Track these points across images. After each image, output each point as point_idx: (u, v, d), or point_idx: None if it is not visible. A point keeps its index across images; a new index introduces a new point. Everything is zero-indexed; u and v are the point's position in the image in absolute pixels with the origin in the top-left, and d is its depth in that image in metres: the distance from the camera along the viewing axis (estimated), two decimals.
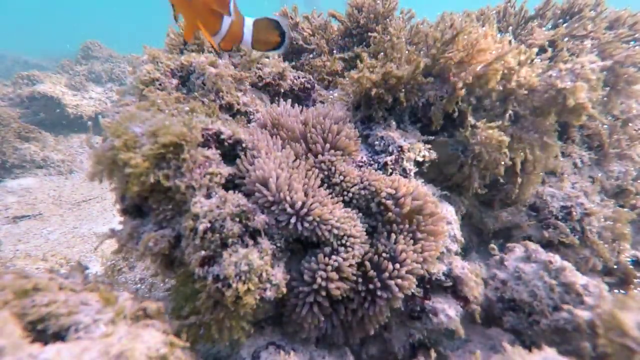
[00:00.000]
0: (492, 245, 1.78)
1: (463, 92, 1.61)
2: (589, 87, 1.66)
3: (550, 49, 2.06)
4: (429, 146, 1.74)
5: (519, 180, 1.78)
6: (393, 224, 1.38)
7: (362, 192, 1.40)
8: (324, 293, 1.23)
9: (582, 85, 1.57)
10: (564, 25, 2.37)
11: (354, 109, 1.77)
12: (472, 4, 2.74)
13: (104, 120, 1.07)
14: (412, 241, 1.34)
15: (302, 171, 1.34)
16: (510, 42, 1.67)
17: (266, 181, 1.24)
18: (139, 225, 1.23)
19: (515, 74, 1.66)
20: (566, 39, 2.33)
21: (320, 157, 1.42)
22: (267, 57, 1.84)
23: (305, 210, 1.23)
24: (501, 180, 1.94)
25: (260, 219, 1.20)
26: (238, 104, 1.64)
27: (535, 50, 1.67)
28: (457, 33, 1.59)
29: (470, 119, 1.71)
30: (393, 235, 1.34)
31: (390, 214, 1.38)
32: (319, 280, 1.22)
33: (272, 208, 1.24)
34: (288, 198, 1.22)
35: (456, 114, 1.69)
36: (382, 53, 1.85)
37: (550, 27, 2.54)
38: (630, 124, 2.47)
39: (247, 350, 1.29)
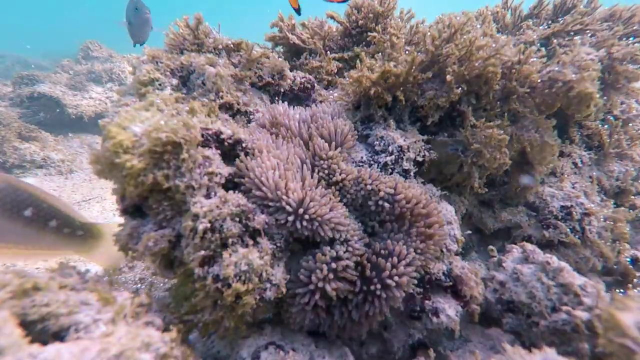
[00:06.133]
0: (490, 247, 1.78)
1: (459, 91, 1.61)
2: (590, 76, 1.67)
3: (543, 48, 2.07)
4: (429, 146, 1.74)
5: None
6: (392, 224, 1.38)
7: (361, 191, 1.40)
8: (321, 293, 1.23)
9: (587, 74, 1.58)
10: (559, 23, 2.38)
11: (354, 108, 1.77)
12: (472, 5, 2.74)
13: (102, 120, 1.07)
14: (410, 241, 1.34)
15: (302, 170, 1.34)
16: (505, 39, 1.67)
17: (265, 180, 1.24)
18: (139, 225, 1.22)
19: (516, 73, 1.66)
20: (559, 38, 2.33)
21: (320, 155, 1.42)
22: (267, 57, 1.84)
23: (304, 209, 1.23)
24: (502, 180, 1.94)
25: (260, 219, 1.20)
26: (238, 104, 1.64)
27: (535, 48, 1.67)
28: (454, 31, 1.59)
29: (471, 119, 1.71)
30: (391, 235, 1.34)
31: (388, 214, 1.38)
32: (317, 280, 1.22)
33: (271, 207, 1.24)
34: (285, 197, 1.22)
35: (456, 113, 1.69)
36: (380, 53, 1.85)
37: (546, 26, 2.54)
38: (630, 124, 2.47)
39: (247, 350, 1.29)
